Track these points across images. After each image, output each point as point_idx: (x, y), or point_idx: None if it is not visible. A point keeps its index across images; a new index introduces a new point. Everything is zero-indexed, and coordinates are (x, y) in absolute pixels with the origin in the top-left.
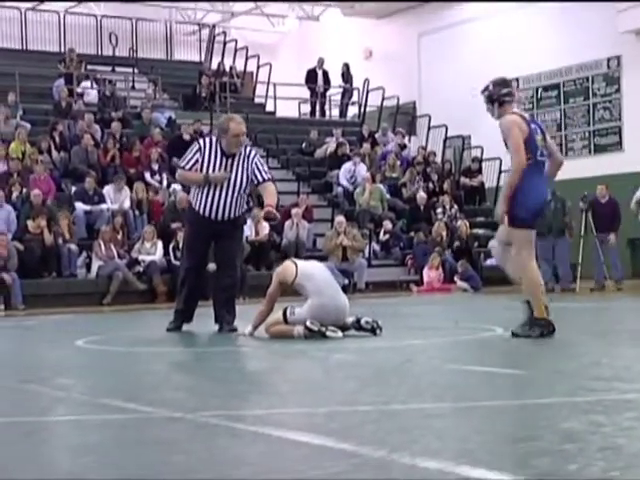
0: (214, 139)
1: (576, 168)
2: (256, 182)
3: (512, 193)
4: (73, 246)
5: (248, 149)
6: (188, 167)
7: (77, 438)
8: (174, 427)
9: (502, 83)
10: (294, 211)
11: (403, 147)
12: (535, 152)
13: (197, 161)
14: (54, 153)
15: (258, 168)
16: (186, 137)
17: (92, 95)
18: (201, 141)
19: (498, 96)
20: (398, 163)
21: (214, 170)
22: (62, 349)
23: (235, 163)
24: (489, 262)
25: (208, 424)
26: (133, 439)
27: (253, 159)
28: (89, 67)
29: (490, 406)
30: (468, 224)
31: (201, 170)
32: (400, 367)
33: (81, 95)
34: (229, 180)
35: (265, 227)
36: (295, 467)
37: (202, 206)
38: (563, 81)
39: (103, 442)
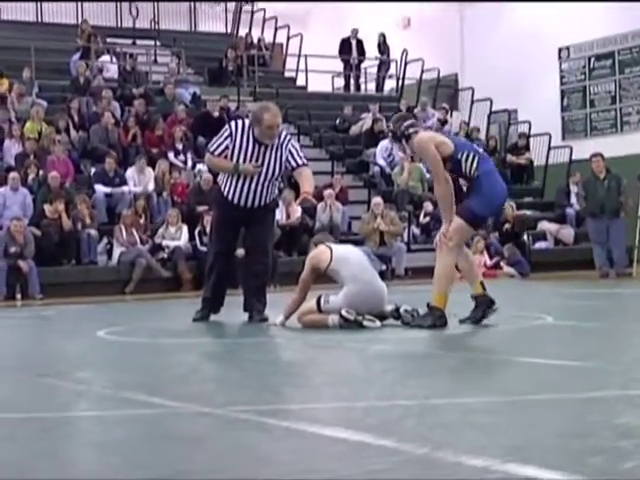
0: (247, 123)
1: (632, 144)
2: (290, 168)
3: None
4: (93, 231)
5: (283, 135)
6: (217, 152)
7: (99, 435)
8: (202, 423)
9: (401, 118)
10: (327, 192)
11: (444, 123)
12: (471, 148)
13: (227, 147)
14: (72, 132)
15: (292, 153)
16: (215, 114)
17: (112, 70)
18: (232, 125)
19: (402, 132)
20: None
21: (245, 159)
22: (82, 341)
23: (268, 152)
24: (538, 246)
25: (238, 419)
26: (158, 435)
27: (287, 145)
28: (108, 40)
29: (540, 400)
30: (515, 205)
31: (231, 157)
32: (442, 358)
33: (100, 70)
34: (261, 170)
35: (297, 210)
36: (331, 465)
37: (231, 193)
38: (618, 49)
39: (127, 439)
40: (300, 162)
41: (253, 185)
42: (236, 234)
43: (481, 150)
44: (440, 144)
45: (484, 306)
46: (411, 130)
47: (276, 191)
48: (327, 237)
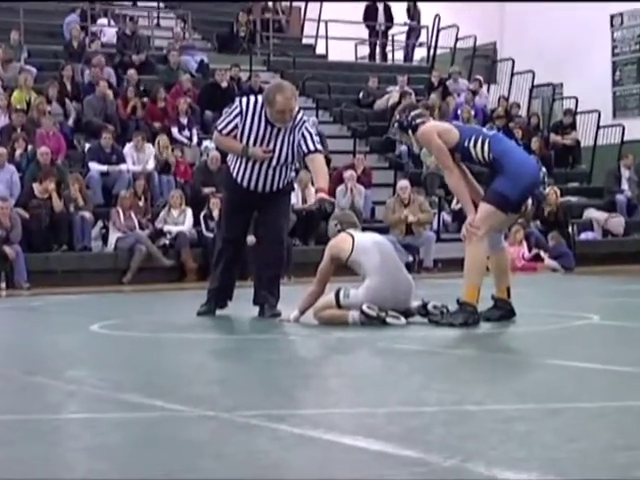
0: (259, 101)
1: None
2: (302, 153)
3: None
4: (87, 214)
5: (299, 117)
6: (226, 132)
7: (93, 439)
8: (206, 428)
9: (408, 107)
10: (348, 174)
11: (474, 93)
12: (479, 132)
13: (236, 126)
14: (66, 103)
15: (304, 137)
16: (223, 84)
17: (109, 34)
18: (244, 102)
19: (409, 122)
20: (472, 113)
21: (255, 142)
22: (74, 335)
23: (281, 135)
24: (584, 236)
25: (246, 425)
26: (157, 441)
27: (301, 128)
28: (106, 0)
29: (583, 408)
30: (559, 191)
31: (241, 138)
32: (474, 360)
33: (97, 34)
34: (273, 154)
35: (314, 194)
36: (349, 476)
37: (240, 176)
38: None
39: (123, 444)
40: (313, 147)
41: (264, 169)
42: (247, 220)
43: (492, 132)
44: (444, 133)
45: (503, 311)
46: (418, 120)
47: (292, 174)
48: (350, 217)
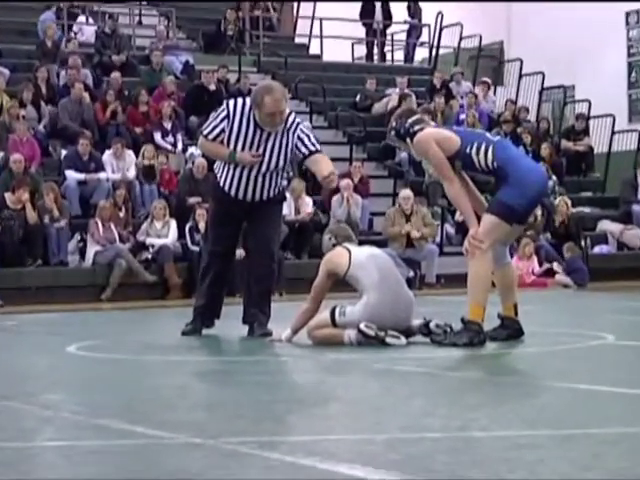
0: (248, 103)
1: None
2: (302, 156)
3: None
4: (63, 226)
5: (291, 119)
6: (212, 137)
7: (69, 469)
8: (192, 456)
9: (406, 113)
10: (345, 183)
11: (477, 96)
12: (481, 138)
13: (223, 131)
14: (41, 107)
15: (302, 139)
16: (211, 87)
17: (88, 33)
18: (231, 104)
19: (406, 129)
20: (476, 116)
21: (244, 146)
22: (50, 357)
23: (272, 139)
24: (597, 250)
25: (235, 452)
26: (139, 471)
27: (295, 131)
28: None
29: (596, 434)
30: (570, 201)
31: (228, 143)
32: (480, 383)
33: (74, 33)
34: (263, 159)
35: (308, 204)
36: None
37: (227, 184)
38: None
39: (101, 474)
40: (313, 148)
41: (253, 176)
42: (235, 232)
43: (497, 137)
44: (443, 141)
45: (510, 330)
46: (417, 127)
47: (283, 182)
48: (345, 230)
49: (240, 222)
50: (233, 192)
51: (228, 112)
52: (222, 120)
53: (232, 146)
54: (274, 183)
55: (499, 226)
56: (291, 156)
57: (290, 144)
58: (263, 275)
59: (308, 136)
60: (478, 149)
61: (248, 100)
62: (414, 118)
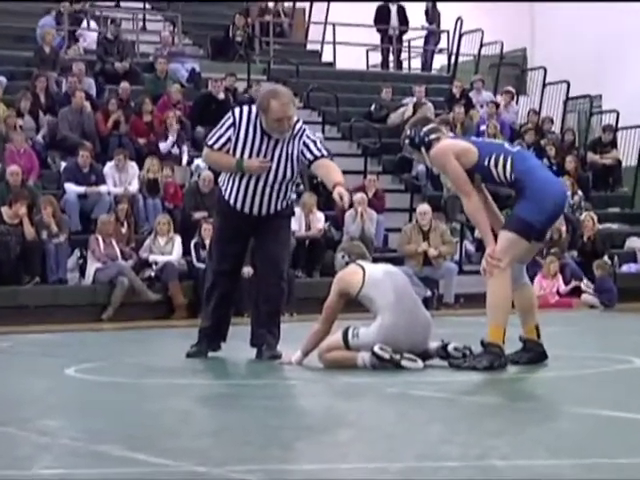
0: (254, 111)
1: None
2: (308, 162)
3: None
4: (62, 242)
5: (298, 126)
6: (217, 146)
7: None
8: None
9: (421, 121)
10: (359, 197)
11: (497, 105)
12: (500, 149)
13: (229, 139)
14: (39, 117)
15: (307, 145)
16: (220, 96)
17: (89, 39)
18: (237, 112)
19: (421, 138)
20: (498, 127)
21: (251, 154)
22: (48, 380)
23: (279, 147)
24: (626, 268)
25: None
26: None
27: (302, 137)
28: (85, 0)
29: (621, 464)
30: (596, 217)
31: (234, 152)
32: (501, 409)
33: (76, 39)
34: (270, 168)
35: (319, 219)
36: None
37: (234, 198)
38: None
39: None
40: (319, 154)
41: (260, 187)
42: (242, 249)
43: (516, 148)
44: (462, 154)
45: (532, 354)
46: (432, 136)
47: (292, 196)
48: (359, 248)
49: (247, 239)
50: (239, 206)
51: (234, 120)
52: (228, 128)
53: (239, 155)
54: (282, 196)
55: (517, 243)
56: (300, 166)
57: (297, 152)
58: (272, 295)
59: (314, 142)
60: (497, 161)
61: (254, 107)
62: (430, 127)
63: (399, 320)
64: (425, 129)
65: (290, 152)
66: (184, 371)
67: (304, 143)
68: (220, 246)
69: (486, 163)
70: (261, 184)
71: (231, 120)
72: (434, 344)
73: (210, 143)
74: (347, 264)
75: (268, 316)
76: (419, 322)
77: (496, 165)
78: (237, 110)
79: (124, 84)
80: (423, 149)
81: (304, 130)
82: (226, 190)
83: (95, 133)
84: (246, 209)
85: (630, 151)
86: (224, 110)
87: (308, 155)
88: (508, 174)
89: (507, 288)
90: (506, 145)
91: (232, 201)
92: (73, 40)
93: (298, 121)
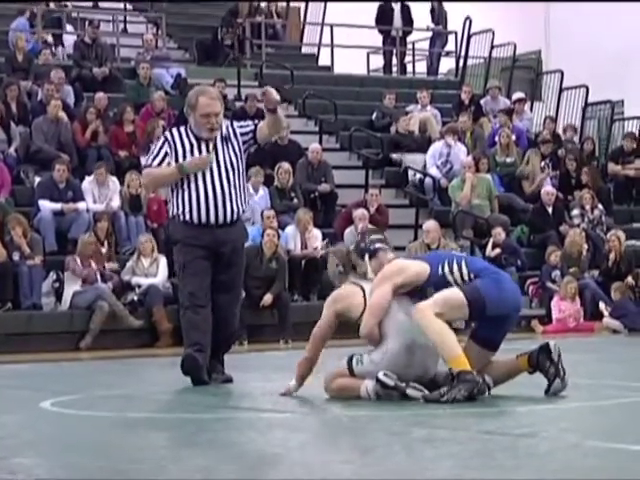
0: (183, 127)
1: None
2: (252, 136)
3: None
4: (37, 264)
5: (226, 125)
6: (157, 163)
7: None
8: None
9: (371, 231)
10: (359, 213)
11: (509, 112)
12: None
13: (167, 154)
14: (10, 128)
15: (241, 126)
16: None
17: (66, 43)
18: (167, 133)
19: (366, 246)
20: (512, 136)
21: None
22: (21, 414)
23: (217, 146)
24: None
25: None
26: None
27: (234, 131)
28: (61, 2)
29: None
30: (623, 235)
31: (176, 162)
32: (516, 442)
33: (49, 43)
34: (213, 171)
35: (316, 237)
36: None
37: (189, 208)
38: None
39: None
40: (253, 122)
41: (210, 188)
42: (209, 275)
43: (463, 253)
44: (413, 279)
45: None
46: (378, 245)
47: (247, 199)
48: (352, 260)
49: (210, 258)
50: (196, 215)
51: (166, 137)
52: (162, 146)
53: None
54: (238, 194)
55: (461, 307)
56: (240, 155)
57: (236, 146)
58: (230, 336)
59: (247, 124)
60: (451, 267)
61: (182, 128)
62: (377, 236)
63: (405, 346)
64: (372, 237)
65: (227, 149)
66: (170, 403)
67: (240, 133)
68: (189, 281)
69: (440, 272)
70: (210, 184)
71: (163, 138)
72: (443, 370)
73: (148, 163)
74: (340, 273)
75: (222, 352)
76: (427, 348)
77: (451, 271)
78: (167, 132)
79: (99, 94)
80: (367, 257)
81: (234, 125)
82: (179, 207)
83: (72, 145)
84: (203, 218)
85: None
86: None
87: (247, 130)
88: (466, 275)
89: (436, 320)
90: (453, 252)
91: (188, 215)
92: (48, 44)
93: (223, 123)
